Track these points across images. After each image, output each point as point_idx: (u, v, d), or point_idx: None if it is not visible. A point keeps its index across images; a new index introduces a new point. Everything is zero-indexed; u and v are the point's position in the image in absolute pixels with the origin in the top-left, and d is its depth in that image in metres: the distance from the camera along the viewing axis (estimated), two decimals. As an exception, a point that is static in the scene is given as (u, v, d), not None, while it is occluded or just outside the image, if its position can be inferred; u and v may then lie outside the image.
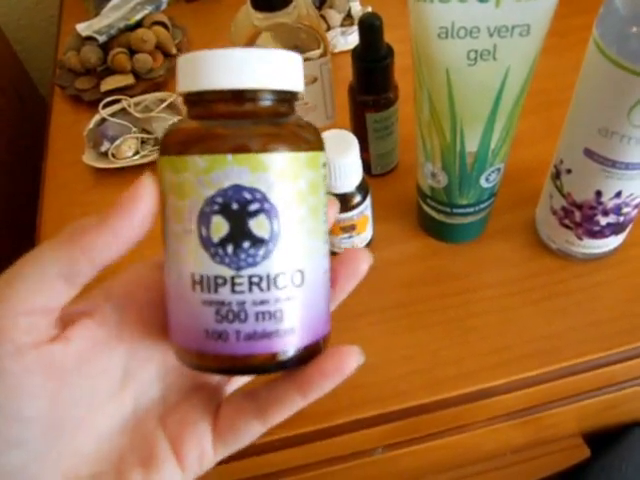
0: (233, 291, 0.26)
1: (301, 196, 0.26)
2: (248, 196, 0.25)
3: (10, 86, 0.87)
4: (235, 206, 0.25)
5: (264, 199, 0.26)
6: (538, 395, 0.44)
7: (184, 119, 0.27)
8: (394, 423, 0.42)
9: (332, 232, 0.46)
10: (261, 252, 0.26)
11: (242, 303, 0.26)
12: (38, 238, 0.54)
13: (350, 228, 0.45)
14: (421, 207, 0.48)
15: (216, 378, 0.30)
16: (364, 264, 0.28)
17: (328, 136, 0.42)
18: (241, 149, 0.25)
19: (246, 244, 0.26)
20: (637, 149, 0.36)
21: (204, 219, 0.26)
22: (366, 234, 0.47)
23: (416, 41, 0.37)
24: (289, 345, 0.26)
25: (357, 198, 0.44)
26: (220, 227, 0.26)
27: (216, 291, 0.26)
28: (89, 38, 0.67)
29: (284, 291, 0.26)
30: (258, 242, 0.26)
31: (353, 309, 0.46)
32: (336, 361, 0.25)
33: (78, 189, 0.58)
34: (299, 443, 0.42)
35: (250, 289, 0.26)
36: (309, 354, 0.27)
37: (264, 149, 0.25)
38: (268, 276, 0.26)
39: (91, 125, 0.60)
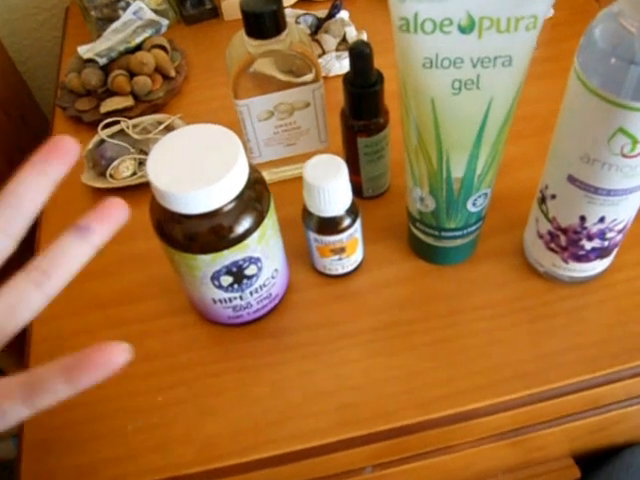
0: (241, 299, 0.44)
1: (268, 242, 0.42)
2: (242, 262, 0.41)
3: (13, 106, 0.89)
4: (235, 269, 0.41)
5: (251, 259, 0.41)
6: (525, 417, 0.45)
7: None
8: (382, 443, 0.43)
9: (322, 254, 0.46)
10: (254, 279, 0.43)
11: (248, 302, 0.45)
12: (36, 255, 0.55)
13: (340, 250, 0.46)
14: (411, 230, 0.49)
15: None
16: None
17: (318, 161, 0.43)
18: (232, 243, 0.39)
19: (245, 280, 0.43)
20: (617, 176, 0.37)
21: (214, 280, 0.41)
22: (356, 256, 0.48)
23: (402, 71, 0.38)
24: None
25: (346, 221, 0.45)
26: (227, 280, 0.42)
27: (231, 302, 0.44)
28: (90, 60, 0.68)
29: (269, 285, 0.45)
30: (253, 276, 0.43)
31: (341, 329, 0.47)
32: (105, 355, 0.26)
33: (76, 208, 0.59)
34: (287, 461, 0.42)
35: (251, 294, 0.44)
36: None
37: (243, 238, 0.39)
38: (260, 286, 0.44)
39: (90, 146, 0.61)
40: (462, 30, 0.34)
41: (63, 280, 0.29)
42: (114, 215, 0.30)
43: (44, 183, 0.28)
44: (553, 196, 0.42)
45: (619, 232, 0.42)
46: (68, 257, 0.29)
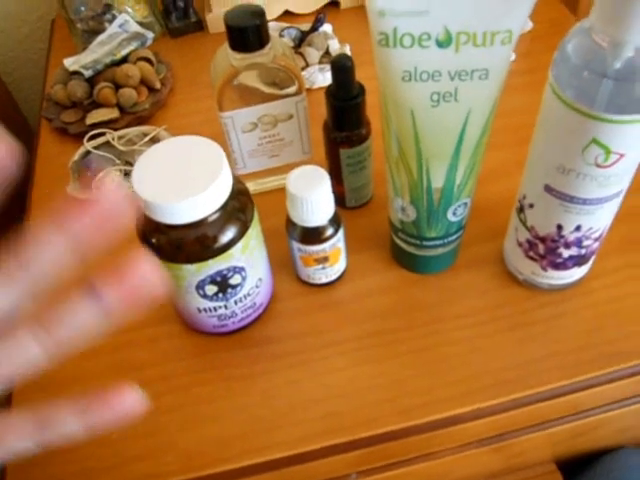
0: (226, 308, 0.44)
1: (252, 251, 0.43)
2: (226, 272, 0.41)
3: (-2, 117, 0.89)
4: (219, 279, 0.42)
5: (235, 268, 0.42)
6: (506, 422, 0.45)
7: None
8: (365, 449, 0.43)
9: (306, 264, 0.47)
10: (238, 288, 0.43)
11: (233, 311, 0.45)
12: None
13: (323, 260, 0.46)
14: (393, 239, 0.49)
15: None
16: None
17: (301, 172, 0.44)
18: (217, 253, 0.40)
19: (229, 289, 0.43)
20: (592, 185, 0.38)
21: (200, 289, 0.42)
22: (339, 265, 0.49)
23: (382, 84, 0.39)
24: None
25: (329, 231, 0.45)
26: (212, 289, 0.42)
27: (216, 311, 0.45)
28: (76, 72, 0.69)
29: (253, 294, 0.45)
30: (237, 285, 0.43)
31: (325, 338, 0.47)
32: (118, 400, 0.25)
33: (62, 220, 0.59)
34: (274, 468, 0.43)
35: (236, 304, 0.45)
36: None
37: (228, 248, 0.40)
38: (245, 295, 0.45)
39: (76, 157, 0.62)
40: (440, 44, 0.35)
41: (67, 341, 0.24)
42: (141, 284, 0.23)
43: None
44: (531, 205, 0.43)
45: (595, 240, 0.43)
46: (75, 319, 0.24)
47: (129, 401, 0.25)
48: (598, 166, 0.37)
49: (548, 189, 0.40)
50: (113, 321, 0.24)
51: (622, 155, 0.36)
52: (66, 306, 0.24)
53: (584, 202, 0.40)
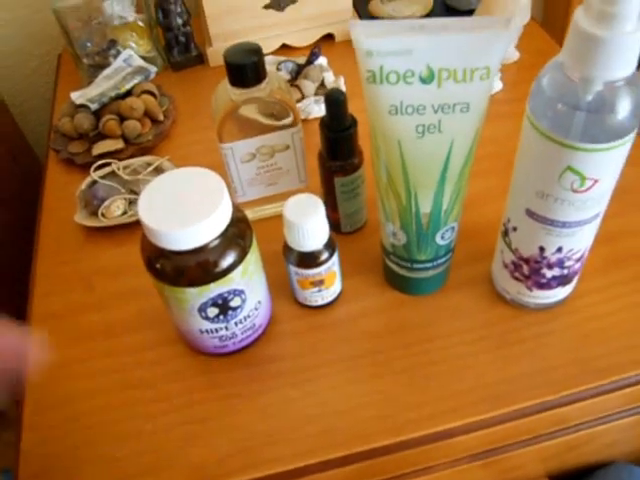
0: (227, 329, 0.47)
1: (251, 275, 0.45)
2: (227, 295, 0.44)
3: (6, 147, 0.92)
4: (220, 301, 0.44)
5: (235, 291, 0.44)
6: (496, 437, 0.47)
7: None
8: (361, 463, 0.45)
9: (302, 286, 0.49)
10: (238, 310, 0.46)
11: (233, 332, 0.47)
12: (32, 291, 0.58)
13: (319, 283, 0.49)
14: (385, 262, 0.52)
15: None
16: None
17: (297, 200, 0.46)
18: (218, 276, 0.42)
19: (230, 311, 0.45)
20: (570, 209, 0.41)
21: (202, 311, 0.44)
22: (334, 288, 0.51)
23: (371, 117, 0.41)
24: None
25: (324, 255, 0.48)
26: (213, 311, 0.45)
27: (217, 332, 0.47)
28: (82, 105, 0.72)
29: (253, 316, 0.48)
30: (237, 308, 0.46)
31: (321, 358, 0.49)
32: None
33: (70, 246, 0.62)
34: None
35: (236, 325, 0.47)
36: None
37: (228, 272, 0.42)
38: (244, 317, 0.47)
39: (83, 186, 0.64)
40: (423, 80, 0.38)
41: None
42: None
43: None
44: (514, 229, 0.45)
45: (577, 261, 0.45)
46: None
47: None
48: (574, 191, 0.39)
49: (529, 213, 0.43)
50: None
51: (596, 180, 0.39)
52: None
53: (563, 225, 0.42)
